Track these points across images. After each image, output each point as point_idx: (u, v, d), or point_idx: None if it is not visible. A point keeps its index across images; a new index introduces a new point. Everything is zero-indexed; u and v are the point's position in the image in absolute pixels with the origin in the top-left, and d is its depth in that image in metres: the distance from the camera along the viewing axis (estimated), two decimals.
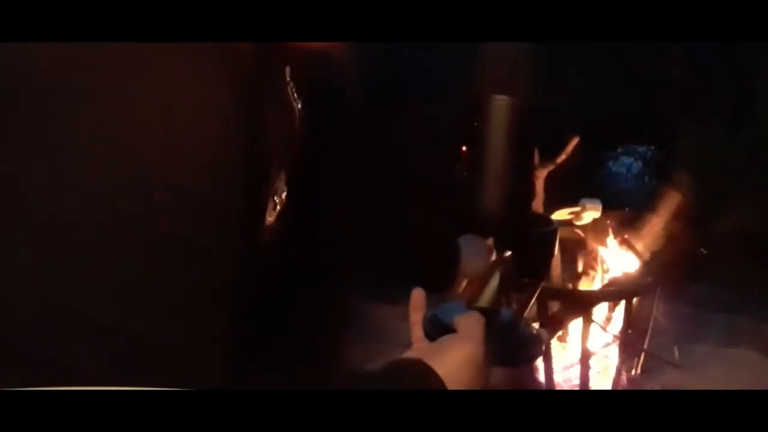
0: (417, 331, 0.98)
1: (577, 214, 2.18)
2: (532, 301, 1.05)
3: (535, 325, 1.13)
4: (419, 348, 0.95)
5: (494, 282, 1.00)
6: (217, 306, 0.71)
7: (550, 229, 1.04)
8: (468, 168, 0.93)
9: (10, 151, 0.68)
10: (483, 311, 0.96)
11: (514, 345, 1.03)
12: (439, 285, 1.20)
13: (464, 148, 0.94)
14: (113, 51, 0.68)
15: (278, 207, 0.86)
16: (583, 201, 2.23)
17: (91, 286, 0.67)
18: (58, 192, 0.67)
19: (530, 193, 0.96)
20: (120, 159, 0.66)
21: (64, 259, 0.67)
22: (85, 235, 0.67)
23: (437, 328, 0.96)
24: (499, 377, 0.97)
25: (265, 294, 0.83)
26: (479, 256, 1.22)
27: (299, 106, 0.89)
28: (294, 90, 0.88)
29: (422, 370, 0.86)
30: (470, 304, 1.00)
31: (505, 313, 1.04)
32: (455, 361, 0.88)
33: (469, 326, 0.91)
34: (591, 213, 2.23)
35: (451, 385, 0.85)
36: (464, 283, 1.18)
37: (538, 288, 1.05)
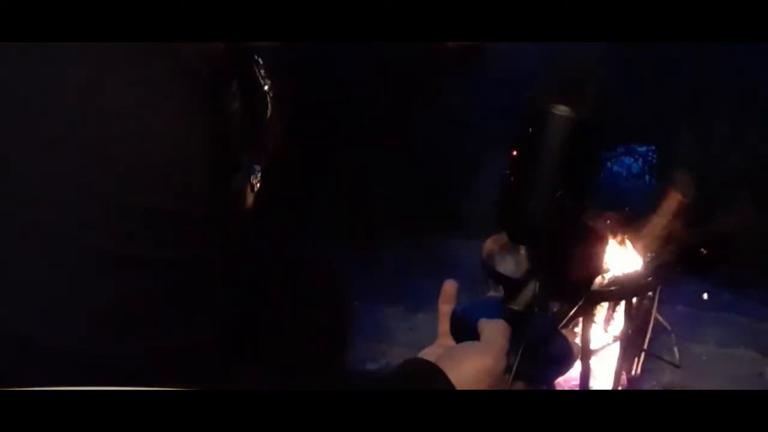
0: (444, 324, 0.96)
1: None
2: (571, 313, 0.99)
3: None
4: (441, 346, 0.93)
5: (533, 285, 0.95)
6: (206, 311, 0.70)
7: (601, 247, 0.99)
8: (515, 173, 0.90)
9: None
10: (517, 314, 0.93)
11: (547, 357, 0.98)
12: None
13: (514, 153, 0.91)
14: (65, 51, 0.65)
15: (256, 188, 0.85)
16: None
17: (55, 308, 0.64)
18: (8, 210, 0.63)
19: (578, 204, 0.91)
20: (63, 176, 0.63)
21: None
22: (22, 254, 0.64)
23: (462, 328, 0.94)
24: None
25: (258, 292, 0.82)
26: None
27: (266, 87, 0.87)
28: (262, 70, 0.86)
29: (436, 375, 0.85)
30: (505, 303, 0.96)
31: (542, 319, 0.98)
32: (471, 372, 0.86)
33: (492, 336, 0.88)
34: None
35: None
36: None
37: (579, 302, 0.99)
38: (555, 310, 1.01)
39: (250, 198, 0.84)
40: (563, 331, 1.00)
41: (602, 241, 1.00)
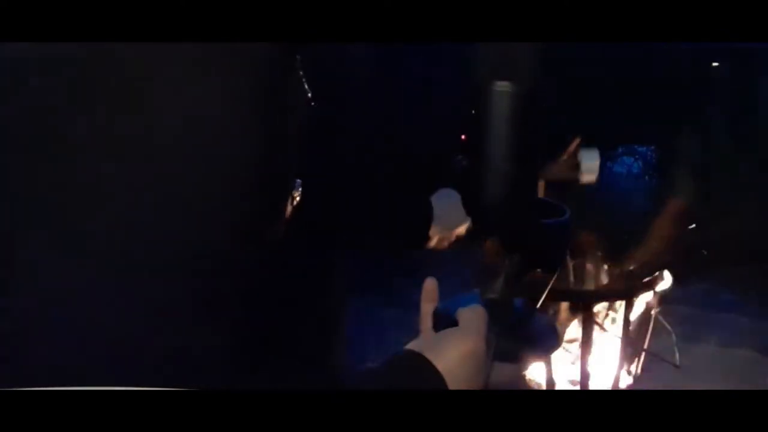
0: (426, 322, 0.97)
1: (571, 166, 1.93)
2: (546, 292, 1.01)
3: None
4: (424, 338, 0.94)
5: (505, 268, 0.96)
6: (227, 309, 0.70)
7: (564, 219, 1.00)
8: (469, 157, 0.91)
9: (20, 149, 0.67)
10: (495, 302, 0.94)
11: (531, 337, 0.99)
12: (413, 240, 1.19)
13: (463, 137, 0.91)
14: (123, 52, 0.67)
15: (295, 201, 0.86)
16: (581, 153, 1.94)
17: (106, 291, 0.65)
18: (67, 193, 0.66)
19: (536, 182, 0.92)
20: (134, 164, 0.65)
21: (70, 262, 0.66)
22: (98, 238, 0.65)
23: (443, 323, 0.95)
24: (501, 375, 0.95)
25: (258, 292, 0.82)
26: (452, 210, 1.21)
27: (309, 96, 0.87)
28: (305, 80, 0.87)
29: (421, 364, 0.86)
30: (484, 294, 0.97)
31: (519, 303, 1.01)
32: (454, 357, 0.88)
33: (470, 320, 0.91)
34: (587, 169, 1.85)
35: (450, 380, 0.85)
36: (436, 239, 1.13)
37: (552, 279, 1.00)
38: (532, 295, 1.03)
39: (288, 210, 0.85)
40: (543, 315, 1.02)
41: (563, 214, 1.00)
